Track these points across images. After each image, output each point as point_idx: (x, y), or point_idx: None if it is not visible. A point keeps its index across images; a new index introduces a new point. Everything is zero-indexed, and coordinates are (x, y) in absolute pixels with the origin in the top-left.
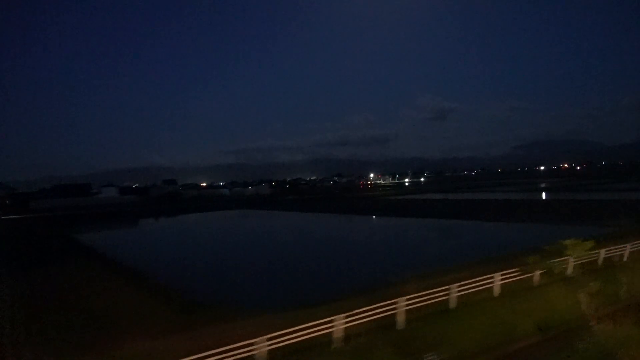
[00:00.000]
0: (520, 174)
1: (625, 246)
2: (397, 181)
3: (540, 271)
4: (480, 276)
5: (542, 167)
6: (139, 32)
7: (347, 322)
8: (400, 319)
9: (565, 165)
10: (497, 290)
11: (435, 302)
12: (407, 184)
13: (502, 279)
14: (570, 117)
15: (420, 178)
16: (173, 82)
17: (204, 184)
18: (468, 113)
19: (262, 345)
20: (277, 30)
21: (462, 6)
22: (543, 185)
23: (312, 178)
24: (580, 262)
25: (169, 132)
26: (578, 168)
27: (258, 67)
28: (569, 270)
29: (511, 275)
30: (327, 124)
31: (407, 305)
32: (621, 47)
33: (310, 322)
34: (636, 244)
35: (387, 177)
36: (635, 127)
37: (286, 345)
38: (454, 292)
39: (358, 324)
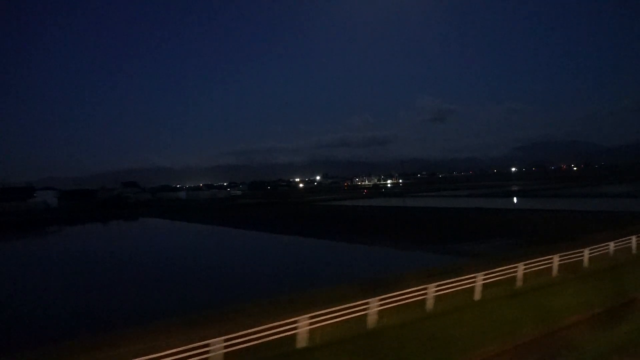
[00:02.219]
0: (517, 174)
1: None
2: (381, 182)
3: None
4: None
5: (513, 169)
6: (140, 33)
7: None
8: None
9: (564, 166)
10: None
11: None
12: (389, 185)
13: None
14: (570, 118)
15: (399, 180)
16: (174, 83)
17: (202, 185)
18: (467, 114)
19: None
20: (277, 33)
21: (461, 8)
22: (514, 188)
23: (300, 179)
24: None
25: (170, 133)
26: (575, 169)
27: (258, 69)
28: None
29: None
30: (327, 125)
31: None
32: (619, 48)
33: None
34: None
35: (373, 178)
36: (635, 129)
37: None
38: None
39: None
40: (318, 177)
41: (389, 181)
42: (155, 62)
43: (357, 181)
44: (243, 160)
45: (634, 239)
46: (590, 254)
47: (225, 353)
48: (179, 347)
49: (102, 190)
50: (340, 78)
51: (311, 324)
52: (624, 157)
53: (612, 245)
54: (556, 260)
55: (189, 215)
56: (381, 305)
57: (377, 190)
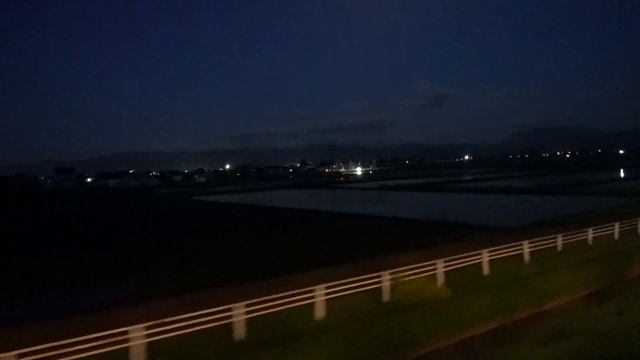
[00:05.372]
0: (509, 161)
1: None
2: (355, 169)
3: None
4: None
5: (466, 157)
6: (139, 19)
7: None
8: None
9: (560, 152)
10: None
11: None
12: (359, 173)
13: None
14: (568, 104)
15: (369, 168)
16: (170, 68)
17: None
18: (464, 100)
19: None
20: (275, 18)
21: None
22: (467, 178)
23: (288, 165)
24: None
25: (166, 117)
26: (568, 156)
27: (255, 54)
28: None
29: None
30: (323, 110)
31: None
32: (618, 33)
33: None
34: None
35: (350, 165)
36: (633, 115)
37: None
38: None
39: None
40: (299, 164)
41: (358, 168)
42: (153, 47)
43: (334, 167)
44: (240, 145)
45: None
46: None
47: None
48: None
49: (16, 178)
50: (336, 62)
51: None
52: (623, 143)
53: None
54: None
55: None
56: None
57: (331, 179)
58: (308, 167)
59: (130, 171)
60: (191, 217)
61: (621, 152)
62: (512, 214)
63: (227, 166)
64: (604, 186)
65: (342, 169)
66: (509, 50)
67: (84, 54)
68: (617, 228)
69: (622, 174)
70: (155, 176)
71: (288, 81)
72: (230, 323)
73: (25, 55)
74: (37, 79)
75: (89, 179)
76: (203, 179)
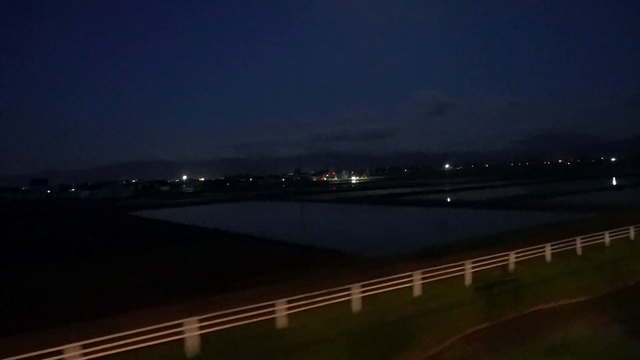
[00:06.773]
0: (504, 169)
1: None
2: (349, 178)
3: None
4: None
5: (447, 166)
6: (139, 26)
7: None
8: None
9: (560, 160)
10: None
11: None
12: (353, 182)
13: None
14: (570, 112)
15: (358, 177)
16: (173, 76)
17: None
18: (466, 108)
19: None
20: (276, 25)
21: (460, 1)
22: (445, 187)
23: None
24: None
25: (170, 126)
26: (568, 163)
27: (256, 62)
28: None
29: None
30: (325, 118)
31: None
32: (618, 42)
33: None
34: None
35: (343, 173)
36: (635, 122)
37: None
38: None
39: None
40: (291, 173)
41: (353, 177)
42: (154, 55)
43: (327, 176)
44: (243, 154)
45: None
46: None
47: None
48: None
49: None
50: (338, 71)
51: None
52: (624, 151)
53: None
54: None
55: None
56: None
57: (320, 188)
58: (302, 175)
59: (133, 180)
60: (83, 238)
61: (613, 159)
62: (420, 236)
63: (199, 176)
64: (571, 198)
65: (335, 178)
66: (511, 58)
67: (86, 63)
68: (416, 279)
69: (613, 183)
70: (145, 186)
71: (290, 89)
72: None
73: (31, 58)
74: (38, 84)
75: (72, 189)
76: (191, 189)
